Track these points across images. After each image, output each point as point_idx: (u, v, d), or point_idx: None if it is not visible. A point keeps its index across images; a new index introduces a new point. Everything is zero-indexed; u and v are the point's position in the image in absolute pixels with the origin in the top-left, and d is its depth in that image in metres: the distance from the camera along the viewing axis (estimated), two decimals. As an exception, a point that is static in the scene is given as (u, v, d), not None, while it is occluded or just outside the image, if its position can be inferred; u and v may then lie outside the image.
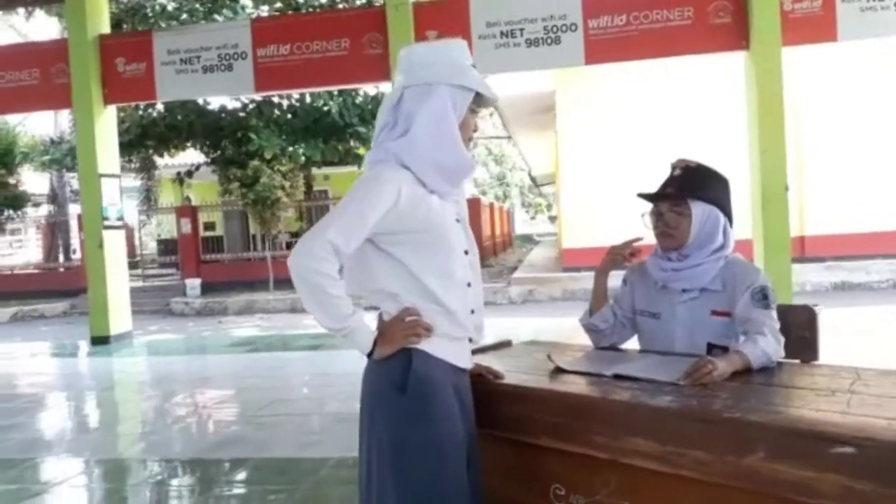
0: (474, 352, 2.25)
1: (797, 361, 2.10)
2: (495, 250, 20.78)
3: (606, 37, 7.88)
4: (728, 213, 2.19)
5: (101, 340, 8.57)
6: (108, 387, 6.64)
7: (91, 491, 3.74)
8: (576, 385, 1.82)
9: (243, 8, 13.90)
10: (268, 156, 13.75)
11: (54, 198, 18.86)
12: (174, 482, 3.82)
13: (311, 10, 13.82)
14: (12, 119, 16.41)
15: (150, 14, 13.82)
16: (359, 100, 14.76)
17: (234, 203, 15.41)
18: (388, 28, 8.09)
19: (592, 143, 13.81)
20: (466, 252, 1.81)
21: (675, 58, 8.59)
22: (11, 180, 15.45)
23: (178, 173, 16.67)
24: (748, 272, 2.12)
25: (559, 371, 1.95)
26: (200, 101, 14.66)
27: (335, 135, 14.77)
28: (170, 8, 13.80)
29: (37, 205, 17.91)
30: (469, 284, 1.80)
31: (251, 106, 14.82)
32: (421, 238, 1.71)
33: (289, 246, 17.19)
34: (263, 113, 14.53)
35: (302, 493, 3.45)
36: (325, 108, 14.35)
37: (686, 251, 2.16)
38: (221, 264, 16.82)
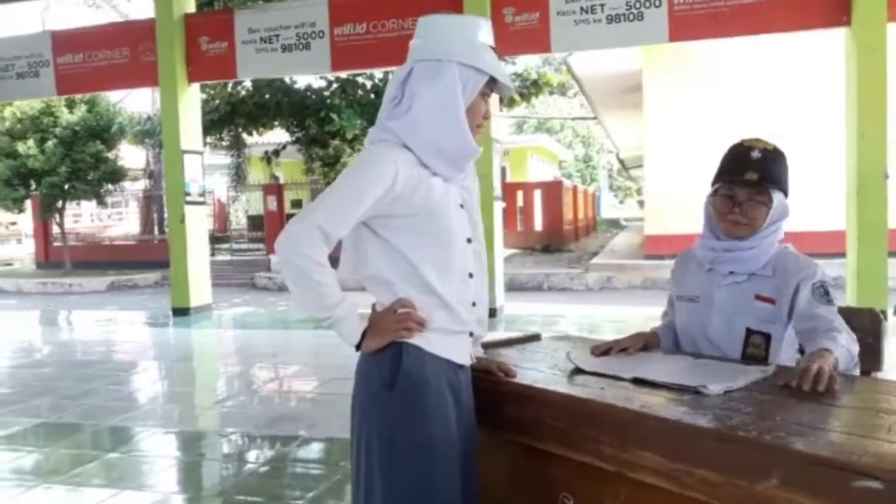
0: (494, 345, 2.15)
1: (856, 372, 1.88)
2: (577, 235, 20.33)
3: (693, 13, 7.46)
4: (788, 194, 2.02)
5: (181, 312, 8.87)
6: (178, 358, 6.86)
7: (143, 459, 3.83)
8: (588, 389, 1.66)
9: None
10: (349, 136, 13.87)
11: (150, 173, 19.74)
12: (225, 454, 3.88)
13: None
14: (114, 96, 17.21)
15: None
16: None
17: (318, 182, 15.68)
18: (463, 5, 7.93)
19: (681, 125, 13.21)
20: (469, 240, 1.69)
21: (769, 35, 8.05)
22: (111, 155, 16.19)
23: (266, 152, 17.08)
24: (805, 264, 1.95)
25: (578, 371, 1.81)
26: (287, 80, 14.92)
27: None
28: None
29: (134, 179, 18.76)
30: (471, 275, 1.69)
31: (335, 85, 14.96)
32: (419, 223, 1.61)
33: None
34: (347, 92, 14.63)
35: (342, 472, 3.42)
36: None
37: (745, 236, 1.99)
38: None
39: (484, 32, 1.66)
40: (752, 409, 1.44)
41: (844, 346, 1.76)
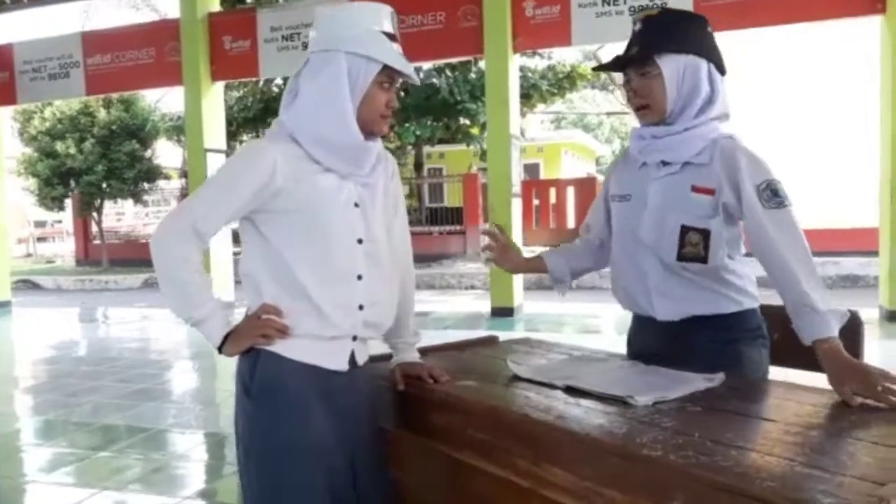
0: (441, 349, 2.06)
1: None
2: (613, 232, 20.01)
3: (720, 2, 7.22)
4: (715, 60, 1.77)
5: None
6: (190, 355, 6.90)
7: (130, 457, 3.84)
8: (513, 397, 1.56)
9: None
10: (378, 133, 13.85)
11: (185, 172, 20.06)
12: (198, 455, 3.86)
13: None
14: (151, 95, 17.55)
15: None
16: (470, 76, 14.57)
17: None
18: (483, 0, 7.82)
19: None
20: (361, 241, 1.59)
21: (800, 24, 7.76)
22: (146, 154, 16.49)
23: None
24: (747, 158, 1.70)
25: (515, 378, 1.70)
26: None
27: (446, 112, 14.67)
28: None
29: (168, 177, 19.08)
30: (360, 277, 1.58)
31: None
32: (299, 220, 1.53)
33: (404, 222, 17.37)
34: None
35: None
36: (436, 86, 14.26)
37: (670, 119, 1.77)
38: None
39: (380, 20, 1.55)
40: (673, 423, 1.32)
41: (822, 307, 1.54)
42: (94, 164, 15.51)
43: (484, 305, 8.28)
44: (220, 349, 1.55)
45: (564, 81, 15.51)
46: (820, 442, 1.22)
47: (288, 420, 1.53)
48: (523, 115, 17.32)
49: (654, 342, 1.85)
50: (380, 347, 1.81)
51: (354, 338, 1.61)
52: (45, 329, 8.92)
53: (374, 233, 1.62)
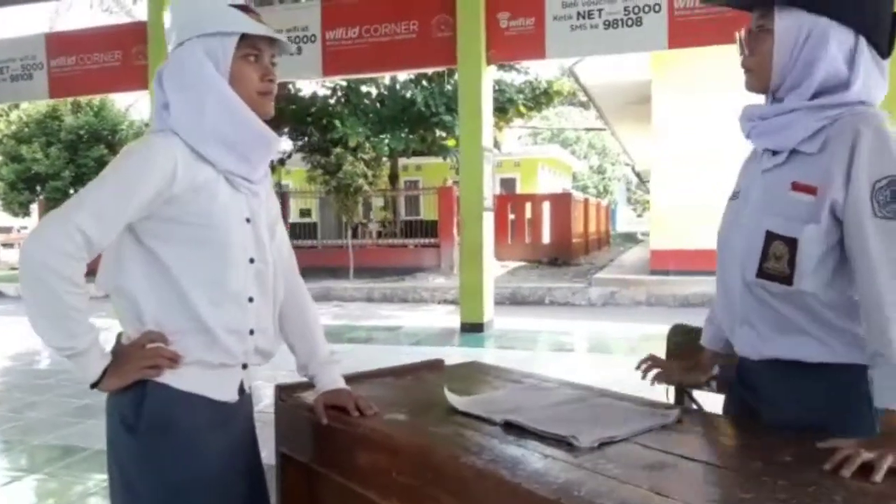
0: (381, 374, 1.89)
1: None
2: (587, 249, 19.93)
3: (694, 18, 7.17)
4: (872, 34, 1.33)
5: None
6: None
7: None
8: (445, 435, 1.38)
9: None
10: (352, 144, 13.68)
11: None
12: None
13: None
14: (121, 101, 17.24)
15: None
16: (447, 88, 14.45)
17: (321, 191, 15.51)
18: (457, 10, 7.71)
19: (690, 137, 12.86)
20: (252, 260, 1.44)
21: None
22: (116, 160, 16.19)
23: (272, 159, 16.97)
24: (875, 142, 1.25)
25: (452, 411, 1.53)
26: (292, 88, 14.79)
27: (421, 124, 14.54)
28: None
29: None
30: (251, 299, 1.43)
31: (340, 93, 14.82)
32: (193, 234, 1.37)
33: (379, 235, 17.22)
34: (351, 101, 14.48)
35: None
36: (412, 98, 14.14)
37: (779, 93, 1.40)
38: (311, 250, 16.93)
39: None
40: (618, 471, 1.16)
41: (890, 363, 1.21)
42: (61, 170, 15.17)
43: (456, 320, 8.12)
44: (94, 385, 1.35)
45: (541, 97, 15.45)
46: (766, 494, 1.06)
47: (183, 455, 1.38)
48: (500, 129, 17.25)
49: (741, 387, 1.53)
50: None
51: (244, 366, 1.48)
52: (1, 338, 8.58)
53: (264, 252, 1.47)
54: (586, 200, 20.91)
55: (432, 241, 15.80)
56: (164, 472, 1.38)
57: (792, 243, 1.32)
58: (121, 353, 1.39)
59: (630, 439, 1.32)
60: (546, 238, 17.75)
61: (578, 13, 7.46)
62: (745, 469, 1.18)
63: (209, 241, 1.38)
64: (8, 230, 27.96)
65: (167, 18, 1.47)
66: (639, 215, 52.00)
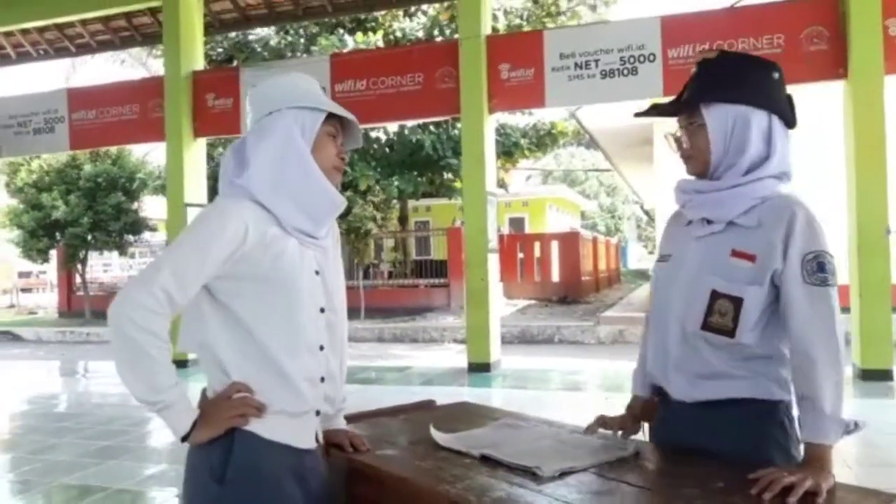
0: (374, 414, 2.08)
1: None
2: (598, 286, 20.09)
3: (688, 66, 7.29)
4: (779, 112, 1.60)
5: (182, 363, 8.88)
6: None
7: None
8: (426, 468, 1.58)
9: (341, 40, 14.31)
10: (362, 187, 14.02)
11: (173, 224, 20.12)
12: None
13: (409, 42, 14.09)
14: (139, 150, 17.70)
15: (259, 49, 14.58)
16: (454, 132, 14.83)
17: (332, 232, 15.81)
18: (460, 62, 8.04)
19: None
20: (323, 310, 1.57)
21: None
22: (133, 206, 16.56)
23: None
24: (804, 222, 1.50)
25: (437, 447, 1.73)
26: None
27: (430, 168, 14.89)
28: (272, 43, 14.45)
29: (154, 230, 19.13)
30: (322, 348, 1.56)
31: (350, 139, 15.19)
32: (266, 289, 1.47)
33: (390, 275, 17.47)
34: (361, 146, 14.85)
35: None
36: (420, 142, 14.51)
37: (716, 174, 1.61)
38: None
39: (310, 80, 1.63)
40: (573, 496, 1.35)
41: (829, 409, 1.42)
42: (79, 217, 15.55)
43: (465, 360, 8.28)
44: (184, 438, 1.43)
45: (546, 138, 15.80)
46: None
47: (268, 502, 1.46)
48: (506, 170, 17.56)
49: (665, 426, 1.71)
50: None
51: (317, 412, 1.57)
52: (19, 382, 8.82)
53: (333, 301, 1.60)
54: (595, 239, 21.10)
55: (442, 281, 16.03)
56: None
57: (737, 301, 1.53)
58: (208, 405, 1.47)
59: (589, 470, 1.51)
60: (555, 276, 17.93)
61: (576, 63, 7.77)
62: (681, 494, 1.36)
63: (281, 295, 1.48)
64: (27, 275, 28.48)
65: (252, 97, 1.60)
66: (650, 252, 52.02)
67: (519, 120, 16.24)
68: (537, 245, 18.30)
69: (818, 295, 1.48)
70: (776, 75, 1.62)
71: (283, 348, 1.49)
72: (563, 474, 1.47)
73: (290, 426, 1.51)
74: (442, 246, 16.98)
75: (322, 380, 1.57)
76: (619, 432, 1.76)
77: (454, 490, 1.41)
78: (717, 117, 1.58)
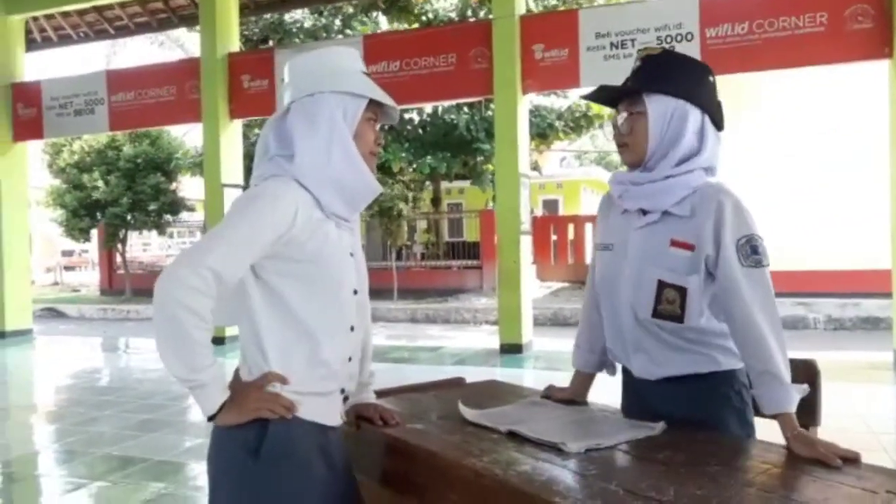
0: (406, 390, 2.12)
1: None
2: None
3: (726, 46, 7.32)
4: (711, 112, 1.70)
5: (217, 341, 9.04)
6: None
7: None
8: (453, 442, 1.61)
9: (375, 22, 14.30)
10: (395, 168, 14.07)
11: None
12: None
13: (441, 23, 14.03)
14: (176, 131, 17.96)
15: (294, 30, 14.64)
16: (488, 113, 14.76)
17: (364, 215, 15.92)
18: (493, 42, 7.99)
19: (727, 160, 12.89)
20: (356, 292, 1.61)
21: (806, 68, 7.80)
22: (171, 186, 16.85)
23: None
24: (732, 209, 1.61)
25: (464, 422, 1.76)
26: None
27: (463, 149, 14.86)
28: (307, 25, 14.50)
29: (192, 210, 19.44)
30: (352, 329, 1.60)
31: (384, 120, 15.25)
32: (309, 271, 1.50)
33: (422, 257, 17.55)
34: (394, 127, 14.87)
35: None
36: (454, 122, 14.48)
37: (650, 163, 1.70)
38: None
39: (353, 59, 1.61)
40: (597, 470, 1.37)
41: (787, 379, 1.53)
42: (119, 197, 15.88)
43: (498, 341, 8.30)
44: (211, 418, 1.45)
45: (581, 121, 15.64)
46: (729, 496, 1.26)
47: (301, 480, 1.49)
48: (540, 152, 17.45)
49: (635, 399, 1.82)
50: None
51: (342, 391, 1.61)
52: (62, 357, 9.10)
53: (363, 283, 1.65)
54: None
55: (475, 262, 16.05)
56: (287, 494, 1.47)
57: (682, 290, 1.65)
58: (240, 390, 1.48)
59: (615, 447, 1.53)
60: (588, 258, 17.83)
61: (611, 43, 7.68)
62: (705, 472, 1.37)
63: (322, 277, 1.51)
64: (70, 254, 29.22)
65: (293, 70, 1.59)
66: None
67: (554, 102, 16.08)
68: (571, 227, 18.19)
69: (756, 276, 1.60)
70: (711, 79, 1.73)
71: (323, 329, 1.52)
72: (589, 450, 1.49)
73: (320, 404, 1.54)
74: (475, 228, 16.98)
75: (349, 360, 1.61)
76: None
77: (480, 463, 1.44)
78: (658, 107, 1.67)
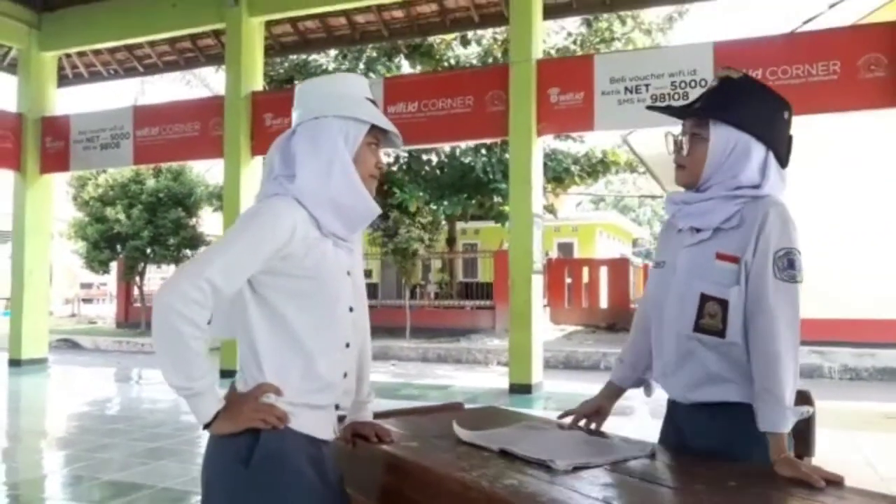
0: (404, 413, 2.16)
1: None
2: (647, 314, 19.85)
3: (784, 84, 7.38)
4: (777, 149, 1.68)
5: (229, 374, 9.11)
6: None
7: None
8: (446, 459, 1.64)
9: (398, 67, 14.62)
10: (411, 209, 14.22)
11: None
12: None
13: (463, 68, 14.31)
14: (199, 167, 18.30)
15: (318, 72, 14.99)
16: (505, 156, 14.94)
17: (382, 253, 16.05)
18: (509, 86, 8.15)
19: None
20: (351, 309, 1.66)
21: (817, 115, 7.85)
22: (191, 221, 17.10)
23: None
24: (778, 221, 1.59)
25: (459, 442, 1.79)
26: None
27: (479, 190, 15.01)
28: (330, 68, 14.84)
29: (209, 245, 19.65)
30: (348, 345, 1.65)
31: (402, 161, 15.47)
32: (305, 287, 1.56)
33: (436, 296, 17.58)
34: (412, 168, 15.09)
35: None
36: (471, 164, 14.66)
37: (703, 187, 1.70)
38: (371, 310, 17.26)
39: (360, 86, 1.68)
40: (581, 486, 1.40)
41: (788, 401, 1.52)
42: (140, 230, 16.14)
43: (507, 382, 8.28)
44: (206, 426, 1.50)
45: (598, 166, 15.79)
46: (708, 510, 1.28)
47: (292, 490, 1.52)
48: (556, 195, 17.56)
49: (671, 427, 1.81)
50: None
51: (336, 406, 1.65)
52: (75, 386, 9.17)
53: (358, 301, 1.70)
54: (646, 266, 20.87)
55: (488, 303, 16.06)
56: (270, 500, 1.50)
57: (724, 303, 1.63)
58: (235, 400, 1.53)
59: (603, 466, 1.55)
60: (603, 303, 17.77)
61: (626, 88, 7.80)
62: (692, 490, 1.40)
63: (317, 293, 1.56)
64: (89, 286, 29.57)
65: (300, 95, 1.67)
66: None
67: (571, 146, 16.25)
68: (586, 270, 18.20)
69: (786, 291, 1.58)
70: (786, 114, 1.70)
71: (317, 344, 1.57)
72: (577, 469, 1.52)
73: (314, 418, 1.58)
74: (489, 268, 17.03)
75: (345, 375, 1.65)
76: (593, 425, 1.92)
77: (469, 477, 1.47)
78: (721, 136, 1.67)
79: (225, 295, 1.48)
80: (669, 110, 1.78)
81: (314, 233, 1.58)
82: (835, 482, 1.40)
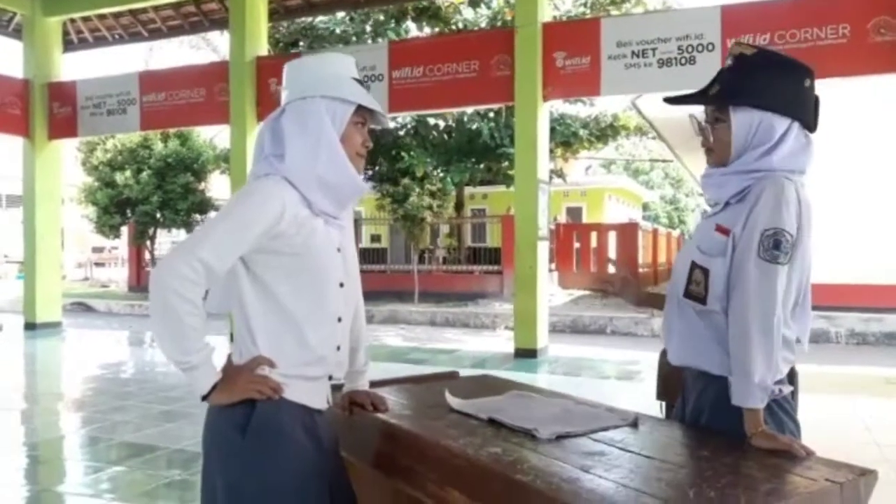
0: (402, 381, 2.23)
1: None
2: (656, 279, 19.81)
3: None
4: (802, 118, 1.68)
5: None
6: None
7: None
8: (436, 427, 1.72)
9: (406, 31, 14.49)
10: (419, 174, 14.22)
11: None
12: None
13: (469, 31, 14.17)
14: (206, 132, 18.33)
15: (325, 34, 14.87)
16: (512, 120, 14.86)
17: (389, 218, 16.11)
18: (515, 50, 8.10)
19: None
20: (342, 284, 1.72)
21: (827, 80, 7.78)
22: (200, 186, 17.19)
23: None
24: (772, 200, 1.59)
25: (450, 410, 1.86)
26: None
27: (487, 155, 14.98)
28: (338, 31, 14.72)
29: (218, 209, 19.78)
30: (340, 319, 1.71)
31: (409, 126, 15.43)
32: (296, 264, 1.61)
33: (444, 261, 17.67)
34: (419, 133, 15.05)
35: None
36: (478, 129, 14.60)
37: (729, 162, 1.72)
38: (380, 275, 17.37)
39: (346, 66, 1.72)
40: (562, 454, 1.47)
41: (757, 378, 1.54)
42: (149, 195, 16.26)
43: (513, 346, 8.39)
44: (204, 397, 1.57)
45: (607, 130, 15.69)
46: (677, 477, 1.35)
47: (286, 456, 1.58)
48: (565, 160, 17.49)
49: (677, 388, 1.89)
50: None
51: (330, 377, 1.71)
52: (89, 349, 9.36)
53: (351, 276, 1.75)
54: (655, 230, 20.83)
55: (496, 267, 16.14)
56: (274, 471, 1.56)
57: (706, 272, 1.68)
58: (231, 372, 1.60)
59: (586, 435, 1.62)
60: (611, 267, 17.82)
61: (633, 52, 7.74)
62: (666, 458, 1.47)
63: (308, 270, 1.62)
64: (100, 250, 29.84)
65: (288, 75, 1.72)
66: (713, 246, 50.72)
67: (580, 110, 16.14)
68: (594, 235, 18.21)
69: (765, 270, 1.59)
70: (808, 82, 1.68)
71: (309, 319, 1.63)
72: (560, 437, 1.59)
73: (307, 388, 1.65)
74: (497, 233, 17.08)
75: (338, 348, 1.72)
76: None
77: (455, 444, 1.55)
78: (743, 121, 1.68)
79: (218, 273, 1.53)
80: (688, 99, 1.78)
81: (304, 212, 1.62)
82: (808, 454, 1.46)
